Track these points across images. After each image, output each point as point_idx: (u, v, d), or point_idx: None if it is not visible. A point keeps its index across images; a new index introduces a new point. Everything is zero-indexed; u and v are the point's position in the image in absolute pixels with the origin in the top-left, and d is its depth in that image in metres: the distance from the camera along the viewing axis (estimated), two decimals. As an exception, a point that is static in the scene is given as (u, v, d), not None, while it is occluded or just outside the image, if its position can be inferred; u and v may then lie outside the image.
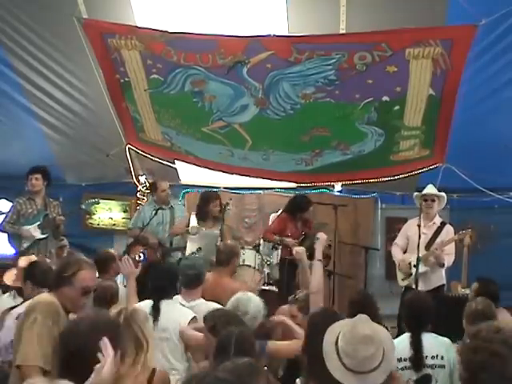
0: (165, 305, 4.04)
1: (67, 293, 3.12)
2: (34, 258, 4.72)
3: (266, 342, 3.55)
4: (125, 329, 2.61)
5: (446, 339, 3.69)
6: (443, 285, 6.06)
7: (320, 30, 5.53)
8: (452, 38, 5.08)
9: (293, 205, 6.61)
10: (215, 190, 7.28)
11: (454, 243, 6.00)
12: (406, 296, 4.27)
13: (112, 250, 5.58)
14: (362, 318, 2.69)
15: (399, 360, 3.50)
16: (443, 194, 6.05)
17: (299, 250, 4.44)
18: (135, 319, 2.71)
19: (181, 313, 4.06)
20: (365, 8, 5.42)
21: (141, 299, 4.23)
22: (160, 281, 4.18)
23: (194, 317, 3.99)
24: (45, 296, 3.18)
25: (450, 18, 5.11)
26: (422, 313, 3.70)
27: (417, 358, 3.52)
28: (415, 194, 6.13)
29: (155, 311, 3.96)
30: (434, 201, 6.04)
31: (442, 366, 3.53)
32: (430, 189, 6.04)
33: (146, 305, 4.02)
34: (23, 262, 4.63)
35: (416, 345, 3.55)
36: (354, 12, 5.41)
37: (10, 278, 4.65)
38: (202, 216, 6.46)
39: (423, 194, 6.01)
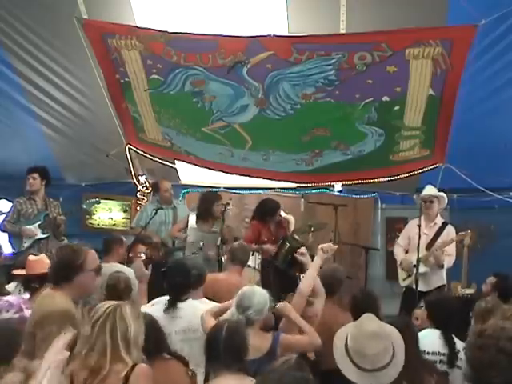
0: (187, 304, 3.97)
1: (82, 280, 3.23)
2: (44, 256, 4.71)
3: (280, 333, 3.58)
4: (100, 325, 2.67)
5: (462, 342, 3.77)
6: (444, 285, 6.07)
7: (320, 30, 5.52)
8: (452, 38, 5.07)
9: (260, 211, 6.51)
10: (215, 189, 7.28)
11: (454, 244, 6.00)
12: (438, 295, 4.40)
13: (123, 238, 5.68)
14: (369, 316, 2.73)
15: (423, 353, 3.58)
16: (442, 194, 6.05)
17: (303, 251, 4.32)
18: (121, 316, 2.74)
19: (203, 310, 4.01)
20: (365, 8, 5.41)
21: (149, 299, 4.24)
22: (178, 277, 4.07)
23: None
24: (58, 301, 3.17)
25: (450, 18, 5.11)
26: (454, 314, 3.84)
27: (452, 355, 3.62)
28: (414, 196, 6.14)
29: (173, 309, 3.91)
30: (432, 202, 6.05)
31: (459, 367, 3.60)
32: (429, 190, 6.04)
33: (161, 302, 3.98)
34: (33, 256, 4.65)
35: (449, 342, 3.66)
36: (354, 12, 5.40)
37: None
38: (205, 216, 6.38)
39: (422, 195, 6.01)
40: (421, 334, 3.71)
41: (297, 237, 6.29)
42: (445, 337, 3.67)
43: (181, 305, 3.95)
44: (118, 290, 4.43)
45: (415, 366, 2.76)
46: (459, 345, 3.69)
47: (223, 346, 2.89)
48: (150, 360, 3.05)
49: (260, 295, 3.58)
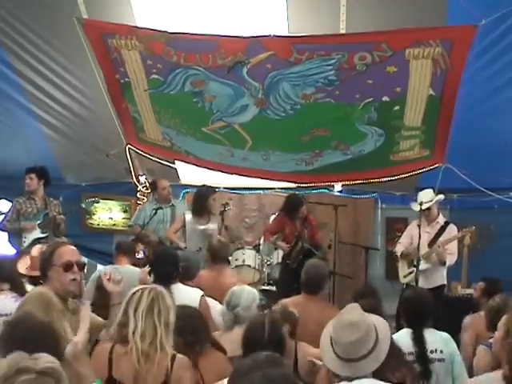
0: (174, 290, 4.05)
1: (53, 276, 3.22)
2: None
3: None
4: (148, 310, 2.74)
5: (444, 333, 3.72)
6: (444, 285, 6.07)
7: (320, 30, 5.52)
8: (452, 38, 5.07)
9: (286, 205, 6.67)
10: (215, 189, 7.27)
11: (457, 243, 6.00)
12: (404, 292, 4.25)
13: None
14: (352, 306, 2.72)
15: None
16: (437, 198, 6.05)
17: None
18: (160, 302, 2.79)
19: (190, 294, 4.10)
20: (365, 8, 5.41)
21: None
22: (165, 266, 4.22)
23: (203, 295, 4.07)
24: (36, 288, 3.32)
25: (450, 18, 5.11)
26: (423, 309, 3.72)
27: (421, 353, 3.53)
28: (412, 205, 6.12)
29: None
30: (429, 209, 6.06)
31: (442, 360, 3.56)
32: (424, 197, 6.01)
33: None
34: (36, 250, 4.63)
35: (419, 340, 3.57)
36: (354, 12, 5.40)
37: (23, 266, 4.64)
38: (200, 211, 6.42)
39: (419, 208, 5.99)
40: (395, 335, 3.61)
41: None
42: (414, 335, 3.59)
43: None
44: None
45: None
46: (440, 340, 3.61)
47: (267, 339, 2.90)
48: (198, 351, 3.10)
49: (248, 293, 3.73)
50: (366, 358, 2.48)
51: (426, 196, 6.03)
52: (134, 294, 2.83)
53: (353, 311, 2.65)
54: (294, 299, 4.32)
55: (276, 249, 6.80)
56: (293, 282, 5.76)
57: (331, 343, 2.58)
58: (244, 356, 2.93)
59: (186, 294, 4.08)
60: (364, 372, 2.49)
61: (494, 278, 4.83)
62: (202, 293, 4.14)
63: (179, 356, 2.76)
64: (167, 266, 4.22)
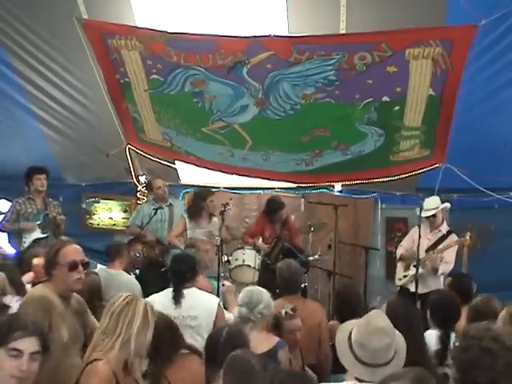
0: (189, 292, 4.08)
1: (58, 275, 3.23)
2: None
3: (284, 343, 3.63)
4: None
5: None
6: (439, 290, 6.06)
7: (320, 30, 5.52)
8: (452, 38, 5.07)
9: (266, 207, 6.78)
10: (215, 189, 7.29)
11: (455, 252, 5.99)
12: (434, 295, 4.26)
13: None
14: (377, 312, 2.75)
15: None
16: (443, 205, 6.04)
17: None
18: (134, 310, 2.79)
19: (206, 299, 4.12)
20: (365, 8, 5.41)
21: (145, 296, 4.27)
22: (180, 265, 4.22)
23: (219, 303, 4.12)
24: (36, 290, 3.31)
25: (450, 18, 5.10)
26: (452, 311, 3.79)
27: (443, 354, 3.54)
28: (417, 212, 6.09)
29: (177, 296, 4.01)
30: (434, 216, 6.05)
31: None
32: (430, 204, 6.00)
33: (167, 293, 4.09)
34: (38, 260, 4.59)
35: (445, 341, 3.60)
36: (354, 12, 5.40)
37: (28, 279, 4.63)
38: (197, 213, 6.48)
39: (424, 215, 5.94)
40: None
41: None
42: (442, 336, 3.62)
43: (185, 291, 4.05)
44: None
45: None
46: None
47: (223, 350, 2.89)
48: (168, 358, 3.13)
49: (267, 293, 3.81)
50: (388, 365, 2.54)
51: (432, 203, 6.01)
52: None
53: (379, 317, 2.69)
54: (277, 304, 4.26)
55: (259, 251, 6.75)
56: (274, 281, 5.76)
57: (351, 347, 2.61)
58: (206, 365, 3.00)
59: (202, 301, 4.08)
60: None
61: (461, 273, 4.82)
62: (218, 300, 4.15)
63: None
64: (182, 265, 4.20)
